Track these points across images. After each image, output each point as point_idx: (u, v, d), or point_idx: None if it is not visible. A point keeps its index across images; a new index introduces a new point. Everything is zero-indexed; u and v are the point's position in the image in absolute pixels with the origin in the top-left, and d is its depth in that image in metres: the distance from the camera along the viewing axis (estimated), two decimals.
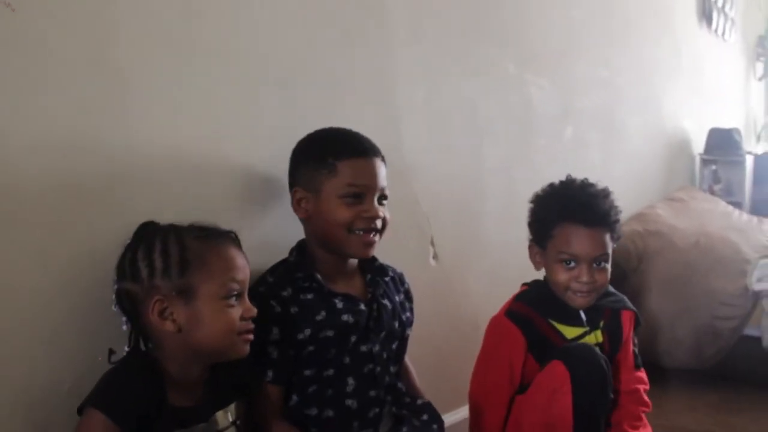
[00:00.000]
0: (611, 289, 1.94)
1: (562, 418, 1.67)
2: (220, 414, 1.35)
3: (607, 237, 1.79)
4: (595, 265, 1.77)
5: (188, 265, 1.26)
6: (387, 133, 1.95)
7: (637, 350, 1.92)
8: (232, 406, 1.39)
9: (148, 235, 1.30)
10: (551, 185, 1.88)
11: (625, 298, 1.94)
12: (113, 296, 1.29)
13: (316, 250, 1.62)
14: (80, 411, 1.22)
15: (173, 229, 1.31)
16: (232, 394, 1.39)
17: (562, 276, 1.79)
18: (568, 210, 1.78)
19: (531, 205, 1.89)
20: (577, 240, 1.76)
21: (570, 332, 1.83)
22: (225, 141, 1.60)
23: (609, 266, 1.81)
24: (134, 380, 1.24)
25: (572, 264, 1.77)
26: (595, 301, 1.82)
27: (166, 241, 1.28)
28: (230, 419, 1.37)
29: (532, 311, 1.83)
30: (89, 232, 1.35)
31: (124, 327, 1.31)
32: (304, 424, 1.53)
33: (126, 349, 1.31)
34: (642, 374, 1.90)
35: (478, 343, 1.89)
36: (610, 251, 1.80)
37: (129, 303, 1.28)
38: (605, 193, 1.83)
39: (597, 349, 1.74)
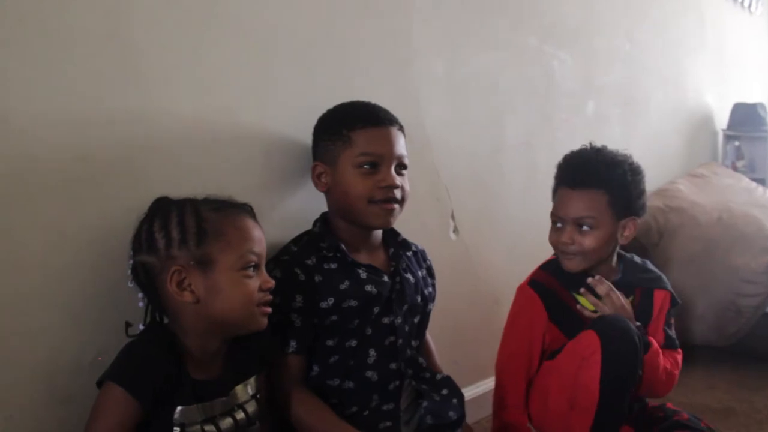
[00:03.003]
0: (650, 266, 1.92)
1: (588, 388, 1.64)
2: (239, 388, 1.35)
3: (597, 200, 1.74)
4: (581, 227, 1.75)
5: (205, 235, 1.26)
6: (406, 107, 1.93)
7: (673, 331, 1.88)
8: (252, 380, 1.38)
9: (163, 208, 1.30)
10: (570, 152, 1.87)
11: (663, 277, 1.90)
12: (129, 271, 1.29)
13: (338, 222, 1.62)
14: (99, 384, 1.22)
15: (188, 202, 1.31)
16: (252, 367, 1.39)
17: (551, 237, 1.81)
18: (560, 173, 1.82)
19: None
20: (561, 201, 1.79)
21: (587, 303, 1.79)
22: (242, 112, 1.59)
23: (600, 232, 1.75)
24: (152, 354, 1.24)
25: (559, 225, 1.79)
26: (587, 265, 1.78)
27: (182, 213, 1.27)
28: (250, 393, 1.37)
29: (555, 281, 1.83)
30: (108, 205, 1.35)
31: (141, 303, 1.31)
32: (325, 395, 1.53)
33: (141, 326, 1.31)
34: (677, 355, 1.86)
35: (497, 317, 1.89)
36: (599, 215, 1.74)
37: (146, 276, 1.28)
38: (609, 157, 1.78)
39: (632, 326, 1.70)
